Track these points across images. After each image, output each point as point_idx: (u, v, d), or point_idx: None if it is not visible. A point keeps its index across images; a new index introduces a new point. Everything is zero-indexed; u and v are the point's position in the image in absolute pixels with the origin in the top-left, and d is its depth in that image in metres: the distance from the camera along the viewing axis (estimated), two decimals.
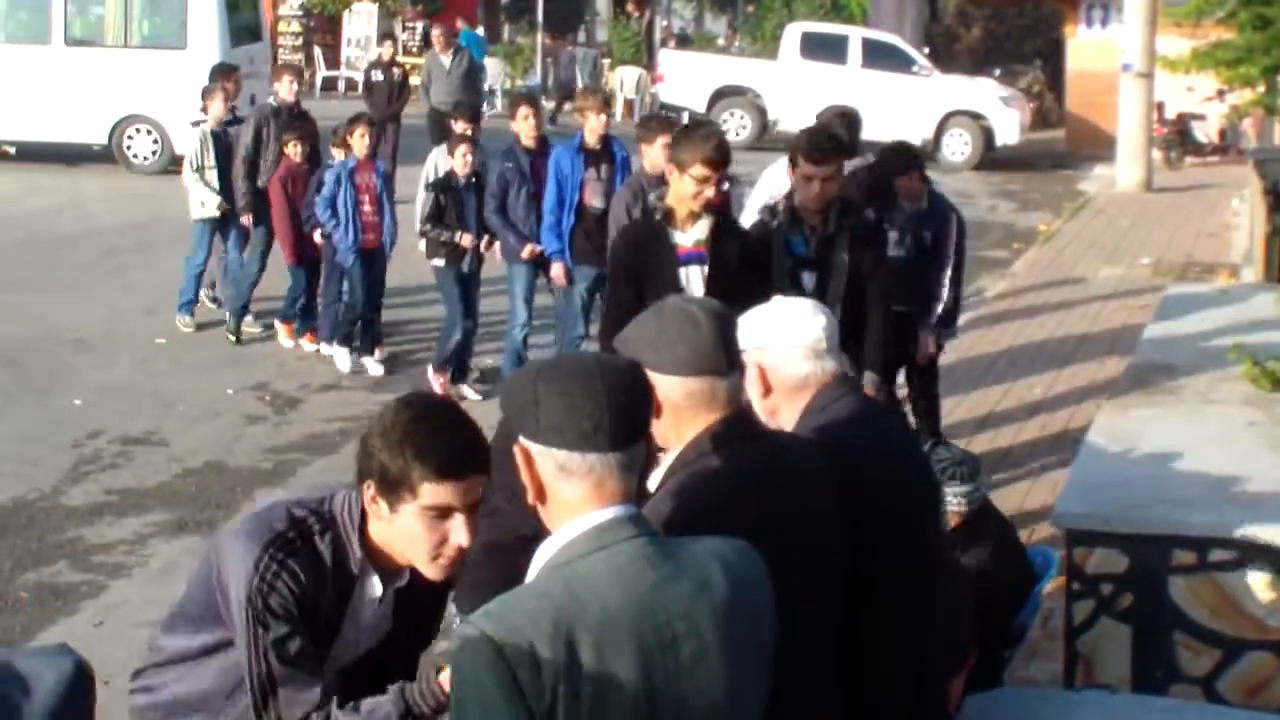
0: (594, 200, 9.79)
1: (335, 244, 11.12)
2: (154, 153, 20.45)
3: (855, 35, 25.90)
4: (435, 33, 19.71)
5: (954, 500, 5.73)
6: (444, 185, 10.72)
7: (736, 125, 25.59)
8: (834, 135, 7.28)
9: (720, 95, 26.03)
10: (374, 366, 11.46)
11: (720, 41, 35.35)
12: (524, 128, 10.39)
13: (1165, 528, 5.24)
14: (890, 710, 3.50)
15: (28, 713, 2.14)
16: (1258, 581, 5.11)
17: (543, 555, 2.60)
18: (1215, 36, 16.23)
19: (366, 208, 11.10)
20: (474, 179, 10.72)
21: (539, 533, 2.69)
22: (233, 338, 12.15)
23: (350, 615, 3.27)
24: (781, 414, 3.60)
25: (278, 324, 12.18)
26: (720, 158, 6.26)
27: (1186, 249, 16.79)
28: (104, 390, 10.87)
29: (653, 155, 8.48)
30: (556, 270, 9.98)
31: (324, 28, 32.67)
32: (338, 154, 11.40)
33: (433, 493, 3.02)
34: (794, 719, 2.98)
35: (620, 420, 2.56)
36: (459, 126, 11.16)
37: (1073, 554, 5.42)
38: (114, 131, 20.45)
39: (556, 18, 34.22)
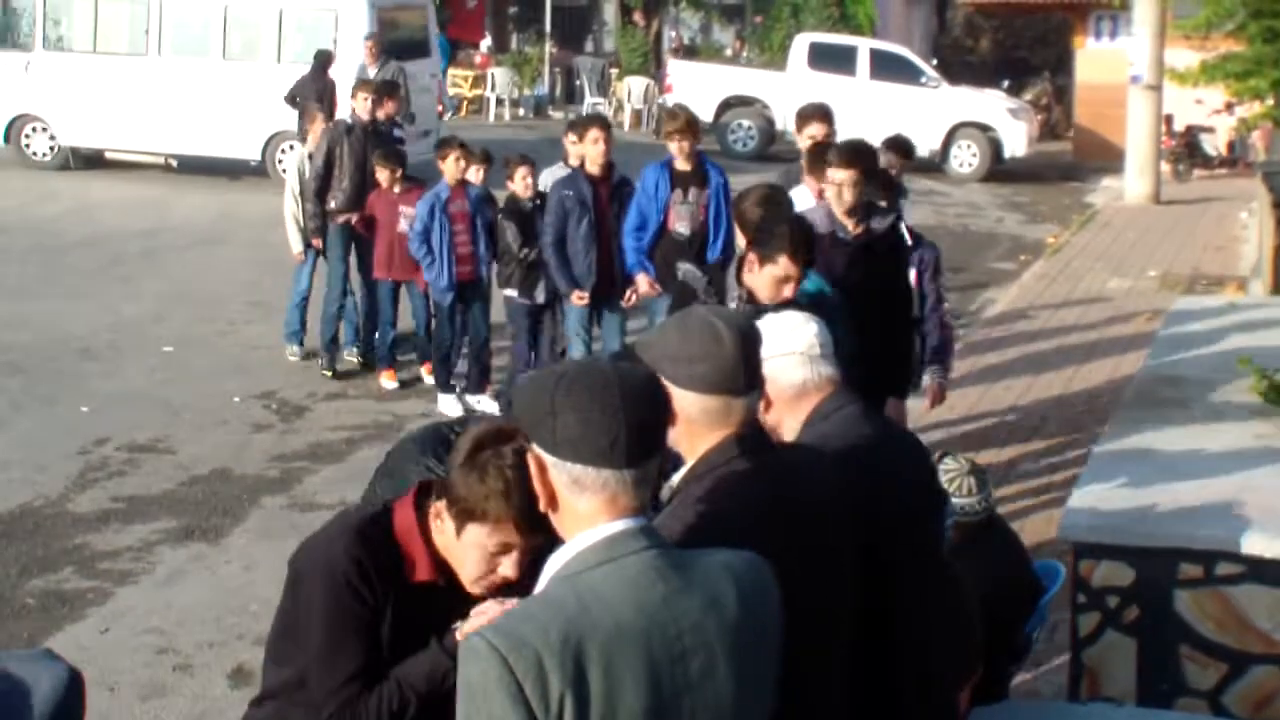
0: (678, 225, 9.21)
1: (430, 281, 10.61)
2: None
3: (863, 46, 25.89)
4: (368, 43, 18.87)
5: (961, 511, 5.72)
6: (512, 210, 10.17)
7: (744, 136, 25.63)
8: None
9: (728, 105, 26.04)
10: (485, 404, 10.67)
11: (728, 52, 35.34)
12: (592, 152, 9.53)
13: (1172, 541, 5.23)
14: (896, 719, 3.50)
15: (26, 716, 2.14)
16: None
17: (553, 565, 2.58)
18: (1224, 49, 16.22)
19: (461, 238, 10.46)
20: (539, 199, 10.08)
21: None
22: (328, 373, 11.47)
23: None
24: (784, 426, 3.59)
25: (381, 372, 11.45)
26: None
27: (1194, 261, 16.78)
28: (111, 397, 10.88)
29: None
30: (642, 284, 9.28)
31: None
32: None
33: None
34: None
35: (636, 437, 2.54)
36: (567, 139, 10.37)
37: (1079, 566, 5.42)
38: (266, 147, 20.22)
39: (564, 28, 34.24)
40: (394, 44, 20.42)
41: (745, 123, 25.93)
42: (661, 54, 33.28)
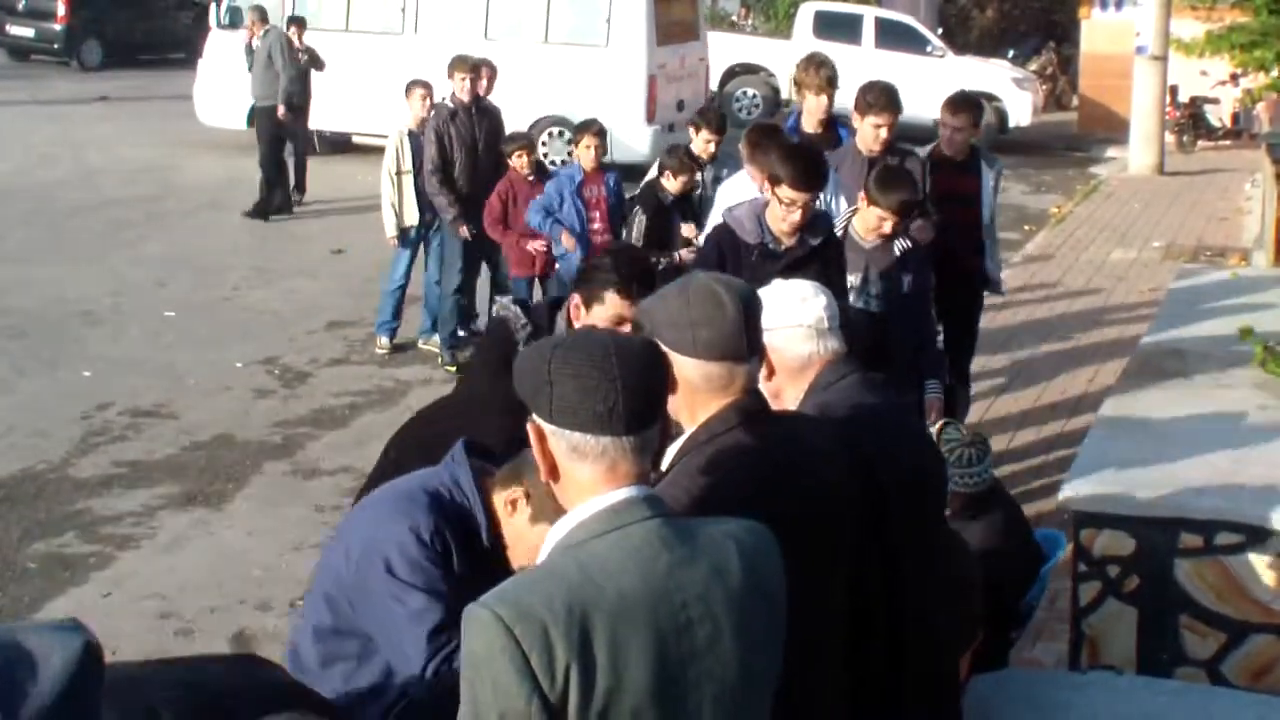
0: None
1: (560, 257, 9.89)
2: (566, 157, 17.59)
3: (869, 15, 25.82)
4: (251, 13, 17.23)
5: (962, 481, 5.72)
6: (652, 202, 9.20)
7: (749, 104, 25.58)
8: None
9: (733, 74, 25.98)
10: None
11: (734, 19, 35.20)
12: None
13: (1172, 510, 5.24)
14: (899, 686, 3.51)
15: (34, 695, 2.12)
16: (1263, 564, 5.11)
17: (555, 535, 2.57)
18: (1230, 20, 16.18)
19: (596, 225, 9.81)
20: (684, 199, 9.20)
21: None
22: (452, 369, 10.72)
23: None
24: (785, 395, 3.59)
25: None
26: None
27: (1198, 233, 16.75)
28: (113, 362, 10.88)
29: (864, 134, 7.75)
30: None
31: None
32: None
33: None
34: (803, 695, 2.98)
35: (634, 403, 2.52)
36: (699, 139, 9.42)
37: (1080, 536, 5.42)
38: (530, 131, 18.06)
39: None
40: (666, 25, 19.38)
41: (750, 91, 25.88)
42: None
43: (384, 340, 11.43)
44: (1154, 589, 5.28)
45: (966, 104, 8.43)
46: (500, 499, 3.51)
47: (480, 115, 11.10)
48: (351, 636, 3.58)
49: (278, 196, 16.60)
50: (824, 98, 8.28)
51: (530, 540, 3.33)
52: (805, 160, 6.11)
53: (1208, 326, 7.44)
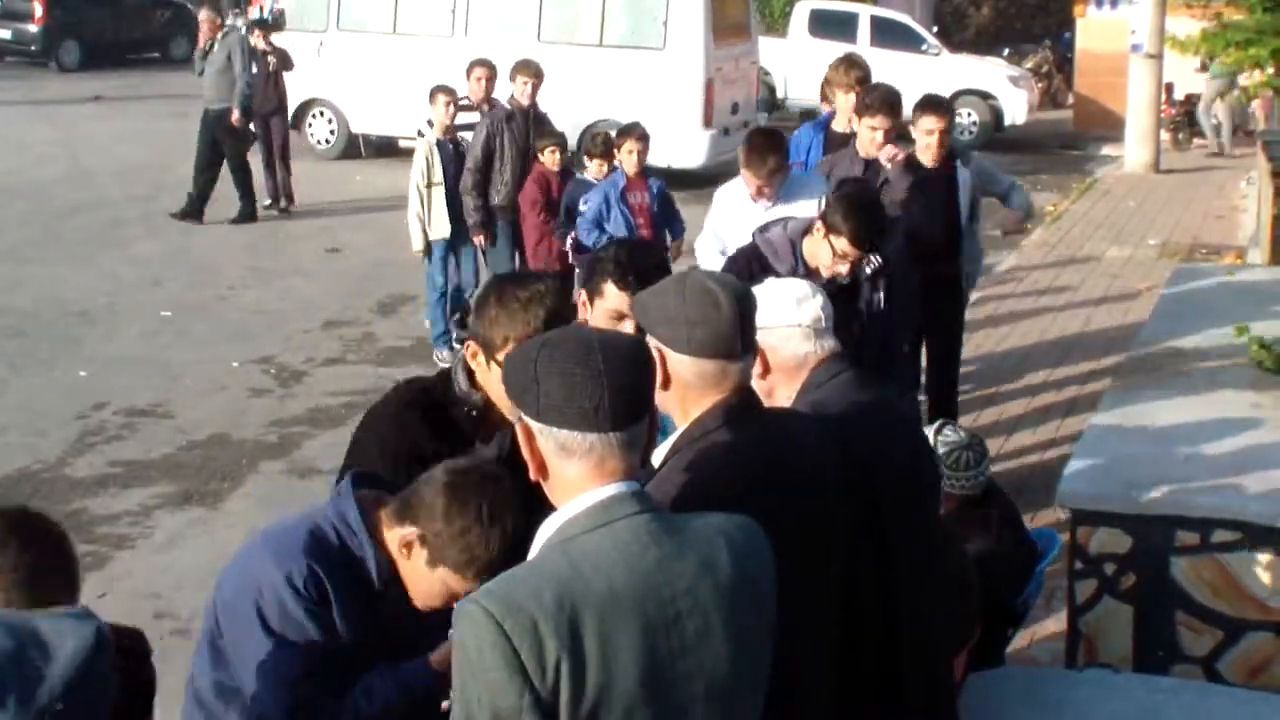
0: None
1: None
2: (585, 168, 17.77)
3: (864, 13, 25.79)
4: (203, 14, 16.83)
5: (960, 483, 5.72)
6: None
7: None
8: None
9: None
10: None
11: None
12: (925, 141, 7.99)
13: (1169, 508, 5.24)
14: (895, 685, 3.50)
15: (48, 677, 2.15)
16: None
17: (545, 531, 2.58)
18: (1225, 17, 16.16)
19: (643, 233, 9.45)
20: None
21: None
22: None
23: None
24: (778, 393, 3.59)
25: None
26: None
27: (1194, 230, 16.75)
28: (109, 362, 10.88)
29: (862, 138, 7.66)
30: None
31: None
32: (596, 166, 10.09)
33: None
34: (797, 693, 2.98)
35: (621, 400, 2.53)
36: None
37: (1076, 534, 5.43)
38: (582, 138, 16.76)
39: None
40: (721, 27, 18.92)
41: None
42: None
43: (444, 354, 10.79)
44: (1150, 586, 5.28)
45: (938, 105, 8.12)
46: (393, 539, 3.26)
47: (536, 123, 10.92)
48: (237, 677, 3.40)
49: (196, 202, 16.17)
50: (854, 96, 8.31)
51: (431, 584, 3.23)
52: (869, 218, 6.02)
53: (1203, 324, 7.44)
